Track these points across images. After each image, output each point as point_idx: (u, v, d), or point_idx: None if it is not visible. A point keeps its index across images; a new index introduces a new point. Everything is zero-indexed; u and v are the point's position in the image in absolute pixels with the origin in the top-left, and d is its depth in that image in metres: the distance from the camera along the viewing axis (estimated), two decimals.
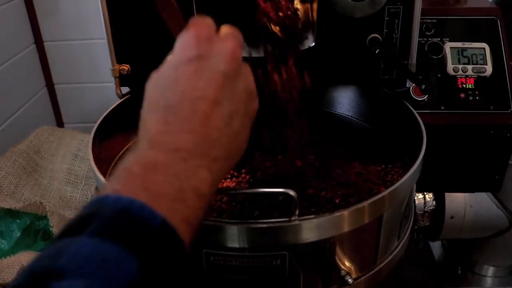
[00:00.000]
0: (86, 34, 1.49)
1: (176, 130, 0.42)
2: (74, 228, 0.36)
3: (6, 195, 1.11)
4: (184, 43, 0.46)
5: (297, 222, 0.56)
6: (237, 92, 0.46)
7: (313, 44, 0.77)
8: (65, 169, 1.22)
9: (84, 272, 0.32)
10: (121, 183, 0.39)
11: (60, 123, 1.62)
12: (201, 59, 0.45)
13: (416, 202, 1.05)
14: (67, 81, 1.58)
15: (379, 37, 0.77)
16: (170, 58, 0.47)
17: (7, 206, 1.07)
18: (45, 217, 1.09)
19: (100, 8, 0.74)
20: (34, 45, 1.50)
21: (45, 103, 1.58)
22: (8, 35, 1.38)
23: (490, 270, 1.17)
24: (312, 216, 0.57)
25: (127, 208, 0.36)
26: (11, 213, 1.08)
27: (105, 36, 0.77)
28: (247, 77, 0.48)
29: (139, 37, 0.77)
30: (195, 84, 0.44)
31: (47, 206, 1.08)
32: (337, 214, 0.58)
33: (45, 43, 1.51)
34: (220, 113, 0.44)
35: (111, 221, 0.35)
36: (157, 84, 0.46)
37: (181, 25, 0.53)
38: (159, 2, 0.53)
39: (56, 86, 1.58)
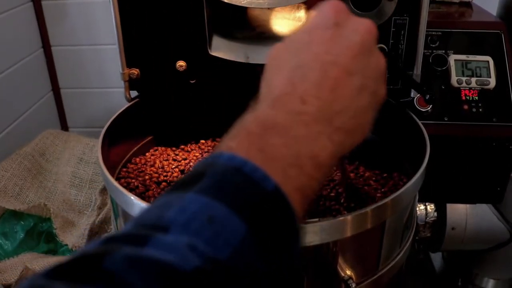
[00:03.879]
0: (94, 39, 1.50)
1: (302, 92, 0.40)
2: (185, 184, 0.35)
3: (11, 196, 1.12)
4: (322, 12, 0.46)
5: (301, 225, 0.57)
6: (369, 68, 0.44)
7: None
8: (69, 172, 1.23)
9: (189, 229, 0.32)
10: (237, 141, 0.38)
11: (65, 127, 1.63)
12: (338, 27, 0.44)
13: (418, 213, 1.06)
14: (73, 86, 1.59)
15: (385, 48, 0.78)
16: (305, 25, 0.46)
17: (11, 208, 1.08)
18: (49, 219, 1.10)
19: (112, 12, 0.75)
20: (41, 49, 1.51)
21: (51, 107, 1.59)
22: (17, 39, 1.39)
23: (490, 283, 1.17)
24: (316, 219, 0.58)
25: (239, 168, 0.35)
26: (16, 215, 1.09)
27: (114, 40, 0.78)
28: (380, 57, 0.46)
29: (149, 42, 0.78)
30: (330, 49, 0.43)
31: (51, 209, 1.09)
32: (340, 218, 0.59)
33: (52, 48, 1.53)
34: (350, 84, 0.42)
35: (222, 180, 0.34)
36: (287, 46, 0.45)
37: None
38: None
39: (62, 91, 1.60)
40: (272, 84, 0.42)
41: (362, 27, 0.45)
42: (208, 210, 0.33)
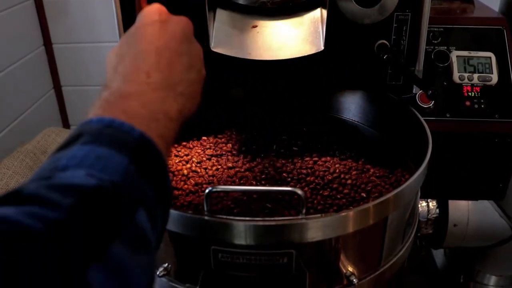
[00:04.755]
0: (95, 37, 1.50)
1: (146, 69, 0.49)
2: (66, 144, 0.41)
3: None
4: (148, 12, 0.55)
5: (303, 221, 0.57)
6: (193, 51, 0.56)
7: (322, 48, 0.78)
8: None
9: (83, 165, 0.38)
10: (101, 109, 0.45)
11: (66, 125, 1.63)
12: (163, 22, 0.54)
13: (420, 209, 1.05)
14: (74, 83, 1.59)
15: (387, 44, 0.78)
16: (133, 26, 0.55)
17: None
18: None
19: (114, 9, 0.75)
20: (43, 47, 1.51)
21: (52, 104, 1.59)
22: (18, 36, 1.39)
23: (492, 279, 1.17)
24: (319, 215, 0.58)
25: (109, 125, 0.42)
26: None
27: (115, 38, 0.78)
28: (198, 45, 0.57)
29: None
30: (160, 38, 0.52)
31: None
32: (343, 214, 0.59)
33: (54, 45, 1.53)
34: (181, 62, 0.53)
35: (98, 134, 0.41)
36: (126, 41, 0.54)
37: None
38: None
39: (63, 88, 1.60)
40: (118, 69, 0.50)
41: (182, 22, 0.56)
42: (94, 152, 0.40)
